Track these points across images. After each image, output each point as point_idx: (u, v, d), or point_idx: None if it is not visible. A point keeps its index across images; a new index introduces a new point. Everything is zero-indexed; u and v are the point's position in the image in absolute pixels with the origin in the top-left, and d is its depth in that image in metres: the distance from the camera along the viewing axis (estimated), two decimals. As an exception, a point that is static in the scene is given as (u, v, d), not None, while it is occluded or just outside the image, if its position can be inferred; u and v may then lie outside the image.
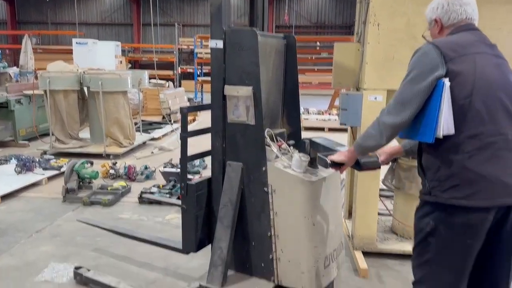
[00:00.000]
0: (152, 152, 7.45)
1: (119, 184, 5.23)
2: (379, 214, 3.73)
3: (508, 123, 1.85)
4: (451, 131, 1.83)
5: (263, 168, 2.65)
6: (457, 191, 1.82)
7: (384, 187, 3.90)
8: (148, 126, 9.38)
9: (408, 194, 3.59)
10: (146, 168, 5.90)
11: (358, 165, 2.33)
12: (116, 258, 3.58)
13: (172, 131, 9.32)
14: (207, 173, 5.94)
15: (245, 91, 2.64)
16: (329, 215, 2.69)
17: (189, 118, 10.88)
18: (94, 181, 5.33)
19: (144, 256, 3.58)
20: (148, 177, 5.77)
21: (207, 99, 14.74)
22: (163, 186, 5.19)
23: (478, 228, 1.84)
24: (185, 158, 2.88)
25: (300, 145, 2.90)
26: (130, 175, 5.68)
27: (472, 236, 1.85)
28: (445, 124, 1.82)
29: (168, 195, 4.86)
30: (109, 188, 5.11)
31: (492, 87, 1.85)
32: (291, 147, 2.80)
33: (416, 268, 2.04)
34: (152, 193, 4.90)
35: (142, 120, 9.09)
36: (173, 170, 5.49)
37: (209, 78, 16.21)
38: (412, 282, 2.05)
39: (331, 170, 2.57)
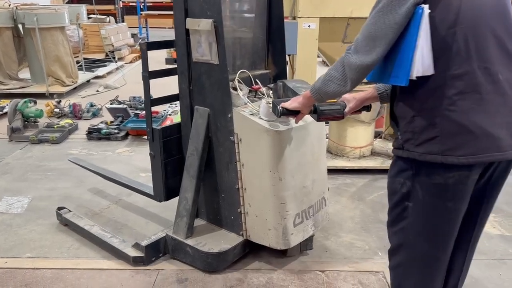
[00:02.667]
0: (98, 91, 7.37)
1: (65, 121, 5.25)
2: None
3: (500, 60, 1.49)
4: (430, 71, 1.48)
5: (229, 115, 2.44)
6: (433, 145, 1.50)
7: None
8: (91, 64, 9.15)
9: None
10: (92, 105, 5.90)
11: (316, 114, 1.94)
12: (69, 190, 3.72)
13: (117, 68, 9.18)
14: (154, 108, 6.06)
15: (206, 24, 2.36)
16: (304, 169, 2.50)
17: (131, 56, 10.69)
18: (39, 120, 5.30)
19: (93, 188, 3.76)
20: (94, 115, 5.79)
21: (152, 35, 14.38)
22: (110, 122, 5.26)
23: (459, 189, 1.55)
24: (149, 101, 2.69)
25: (274, 88, 2.66)
26: (76, 113, 5.68)
27: (452, 199, 1.56)
28: (422, 62, 1.47)
29: (117, 131, 4.95)
30: (55, 126, 5.12)
31: (482, 16, 1.47)
32: (270, 92, 2.63)
33: (392, 236, 1.77)
34: (100, 129, 4.96)
35: (84, 58, 8.85)
36: (120, 106, 5.54)
37: (154, 12, 15.59)
38: (388, 250, 1.82)
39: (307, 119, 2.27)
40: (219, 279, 2.53)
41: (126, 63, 9.98)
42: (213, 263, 2.57)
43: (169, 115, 5.69)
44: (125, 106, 5.50)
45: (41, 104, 5.69)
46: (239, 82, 2.55)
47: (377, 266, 2.67)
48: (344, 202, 3.50)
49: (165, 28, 19.77)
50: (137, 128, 4.88)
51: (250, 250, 2.72)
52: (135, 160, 4.38)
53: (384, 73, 1.60)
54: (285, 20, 3.69)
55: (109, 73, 8.84)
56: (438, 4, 1.45)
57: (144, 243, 2.65)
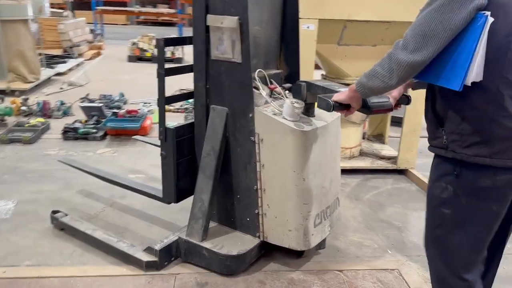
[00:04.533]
0: (62, 88, 7.01)
1: (36, 120, 4.94)
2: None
3: None
4: (480, 77, 1.49)
5: (250, 115, 2.39)
6: (482, 148, 1.52)
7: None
8: (50, 60, 8.68)
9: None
10: (62, 103, 5.60)
11: (366, 108, 1.89)
12: (56, 193, 3.51)
13: (77, 65, 8.79)
14: (127, 107, 5.83)
15: (230, 21, 2.30)
16: (323, 170, 2.49)
17: (90, 52, 10.29)
18: (7, 118, 4.97)
19: (82, 190, 3.57)
20: (65, 113, 5.50)
21: (108, 32, 13.90)
22: (85, 121, 5.01)
23: (506, 192, 1.58)
24: (163, 99, 2.58)
25: (295, 89, 2.52)
26: (45, 111, 5.37)
27: (498, 201, 1.59)
28: (477, 69, 1.48)
29: (95, 131, 4.73)
30: (26, 125, 4.81)
31: None
32: (286, 92, 2.58)
33: (428, 242, 1.79)
34: (76, 128, 4.72)
35: (42, 54, 8.39)
36: (94, 104, 5.30)
37: (110, 8, 15.08)
38: (427, 256, 1.82)
39: (335, 114, 2.31)
40: (240, 282, 2.48)
41: (86, 60, 9.57)
42: (232, 266, 2.50)
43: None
44: (100, 104, 5.26)
45: (5, 102, 5.34)
46: (260, 81, 2.50)
47: (391, 264, 2.72)
48: (343, 202, 3.53)
49: (117, 24, 19.24)
50: (118, 128, 4.69)
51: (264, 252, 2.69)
52: (120, 161, 4.21)
53: (432, 73, 1.57)
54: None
55: (70, 69, 8.45)
56: (498, 13, 1.45)
57: (158, 247, 2.54)
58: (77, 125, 4.79)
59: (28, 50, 6.47)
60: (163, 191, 2.74)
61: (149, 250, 2.57)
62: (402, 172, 4.12)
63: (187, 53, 10.31)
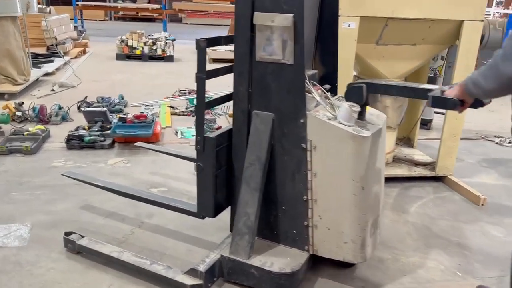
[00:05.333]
0: (53, 90, 6.53)
1: (36, 128, 4.50)
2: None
3: None
4: None
5: (301, 120, 2.21)
6: None
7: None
8: (34, 60, 8.13)
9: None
10: (60, 108, 5.15)
11: (479, 102, 1.95)
12: (73, 213, 3.12)
13: (64, 64, 8.28)
14: (128, 110, 5.45)
15: (284, 19, 2.09)
16: (377, 176, 2.35)
17: (75, 50, 9.76)
18: (2, 126, 4.51)
19: (101, 209, 3.19)
20: (64, 118, 5.06)
21: (88, 28, 13.28)
22: (89, 128, 4.60)
23: None
24: (203, 105, 2.32)
25: (352, 90, 2.32)
26: (43, 117, 4.92)
27: None
28: None
29: (103, 138, 4.33)
30: (25, 133, 4.37)
31: None
32: (329, 93, 2.41)
33: None
34: (81, 136, 4.31)
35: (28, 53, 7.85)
36: (98, 109, 4.89)
37: (91, 3, 14.47)
38: None
39: (383, 117, 2.26)
40: None
41: (72, 59, 9.04)
42: (286, 284, 2.27)
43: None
44: (104, 109, 4.85)
45: (-3, 107, 4.88)
46: (312, 83, 2.31)
47: (469, 288, 2.47)
48: (390, 215, 3.28)
49: (95, 20, 18.55)
50: (129, 135, 4.30)
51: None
52: (136, 173, 3.83)
53: None
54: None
55: (57, 69, 7.93)
56: None
57: (202, 268, 2.29)
58: (82, 132, 4.38)
59: (17, 50, 5.97)
60: (198, 205, 2.49)
61: (191, 272, 2.30)
62: (439, 179, 3.88)
63: (177, 51, 9.90)
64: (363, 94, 2.29)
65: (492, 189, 3.77)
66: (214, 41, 2.40)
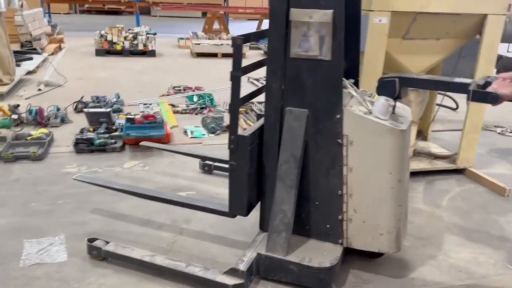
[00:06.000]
0: (40, 89, 6.20)
1: (39, 131, 4.25)
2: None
3: None
4: None
5: (337, 116, 2.24)
6: None
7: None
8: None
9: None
10: (58, 109, 4.89)
11: None
12: (105, 223, 2.96)
13: (43, 61, 7.89)
14: (126, 109, 5.26)
15: (323, 15, 2.09)
16: (407, 168, 2.41)
17: (51, 46, 9.33)
18: (1, 131, 4.24)
19: (134, 217, 3.05)
20: (63, 120, 4.81)
21: (57, 22, 12.70)
22: (93, 129, 4.39)
23: None
24: (237, 103, 2.30)
25: (384, 85, 2.35)
26: (41, 119, 4.65)
27: None
28: None
29: (113, 141, 4.14)
30: (28, 138, 4.11)
31: None
32: (356, 88, 2.43)
33: None
34: (90, 139, 4.10)
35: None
36: (102, 110, 4.66)
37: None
38: None
39: (409, 111, 2.33)
40: None
41: (49, 55, 8.62)
42: (326, 279, 2.30)
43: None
44: (108, 109, 4.64)
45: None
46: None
47: (526, 281, 2.51)
48: (425, 210, 3.29)
49: (60, 14, 17.79)
50: (143, 137, 4.11)
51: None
52: (157, 176, 3.68)
53: None
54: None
55: (37, 67, 7.54)
56: None
57: (243, 267, 2.28)
58: (90, 135, 4.17)
59: (2, 48, 5.63)
60: (230, 203, 2.48)
61: (232, 272, 2.28)
62: (459, 171, 3.94)
63: (159, 44, 9.63)
64: (396, 88, 2.33)
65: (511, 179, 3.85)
66: (248, 39, 2.36)
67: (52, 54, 8.90)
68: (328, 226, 2.43)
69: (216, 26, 11.70)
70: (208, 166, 3.76)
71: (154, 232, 2.86)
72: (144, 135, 4.12)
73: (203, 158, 3.78)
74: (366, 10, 3.25)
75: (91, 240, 2.55)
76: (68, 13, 18.91)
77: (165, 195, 2.83)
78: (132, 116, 4.39)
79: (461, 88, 2.22)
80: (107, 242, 2.55)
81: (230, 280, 2.25)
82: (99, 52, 9.12)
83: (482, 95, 2.08)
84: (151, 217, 3.02)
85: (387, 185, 2.27)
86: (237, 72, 2.23)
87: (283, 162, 2.33)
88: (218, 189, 3.44)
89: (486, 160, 4.33)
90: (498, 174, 3.93)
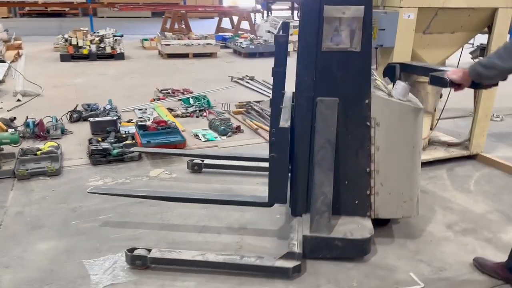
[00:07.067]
0: (19, 100, 5.82)
1: (48, 145, 4.00)
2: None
3: None
4: None
5: (366, 101, 2.50)
6: None
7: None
8: (-27, 67, 7.18)
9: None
10: (56, 120, 4.62)
11: (477, 85, 2.27)
12: (157, 233, 2.85)
13: (7, 69, 7.40)
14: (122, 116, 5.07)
15: (355, 11, 2.34)
16: (422, 140, 2.73)
17: (11, 53, 8.78)
18: (3, 147, 3.93)
19: (183, 226, 2.97)
20: (63, 131, 4.55)
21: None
22: (102, 139, 4.20)
23: None
24: (279, 98, 2.56)
25: (389, 70, 2.88)
26: (42, 132, 4.37)
27: None
28: None
29: (128, 152, 3.97)
30: (38, 153, 3.86)
31: None
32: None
33: None
34: (107, 149, 3.92)
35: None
36: (108, 118, 4.47)
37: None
38: None
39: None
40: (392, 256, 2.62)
41: (11, 62, 8.09)
42: (367, 248, 2.57)
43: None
44: (114, 117, 4.46)
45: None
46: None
47: None
48: (460, 197, 3.44)
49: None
50: (164, 143, 3.99)
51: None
52: (190, 182, 3.60)
53: None
54: (387, 11, 3.44)
55: (5, 76, 7.05)
56: None
57: (298, 249, 2.45)
58: (105, 145, 3.98)
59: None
60: (269, 193, 2.62)
61: (288, 255, 2.43)
62: (471, 157, 4.15)
63: (126, 47, 9.32)
64: (397, 72, 2.80)
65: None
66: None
67: (13, 61, 8.37)
68: (357, 202, 2.66)
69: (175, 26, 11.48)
70: (198, 165, 3.75)
71: (215, 238, 2.82)
72: (165, 141, 4.00)
73: (240, 158, 3.77)
74: (396, 7, 3.35)
75: (131, 250, 2.48)
76: (8, 17, 17.84)
77: (207, 196, 3.00)
78: (144, 123, 4.24)
79: (439, 74, 2.47)
80: (149, 250, 2.49)
81: (289, 264, 2.39)
82: (65, 57, 8.68)
83: (437, 79, 2.39)
84: (206, 223, 2.96)
85: (411, 158, 2.60)
86: (280, 68, 2.47)
87: (320, 148, 2.51)
88: (255, 188, 3.43)
89: (488, 144, 4.58)
90: (506, 157, 4.17)
